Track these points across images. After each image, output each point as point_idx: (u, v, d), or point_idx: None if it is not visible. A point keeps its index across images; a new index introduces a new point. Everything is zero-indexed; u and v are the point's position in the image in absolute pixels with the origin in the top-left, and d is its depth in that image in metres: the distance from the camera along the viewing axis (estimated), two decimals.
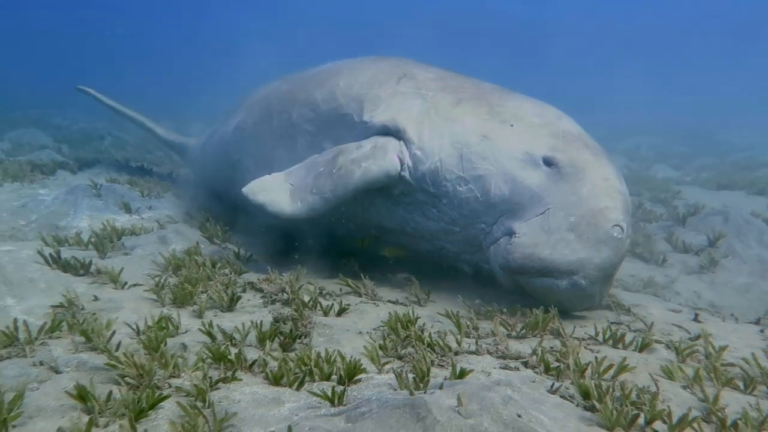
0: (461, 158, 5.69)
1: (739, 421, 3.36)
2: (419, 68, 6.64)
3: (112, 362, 3.62)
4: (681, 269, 7.74)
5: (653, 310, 5.79)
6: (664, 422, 3.38)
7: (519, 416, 3.04)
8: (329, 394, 3.37)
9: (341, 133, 6.39)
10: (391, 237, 6.41)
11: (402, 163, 5.88)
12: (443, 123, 5.89)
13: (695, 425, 3.30)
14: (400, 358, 4.18)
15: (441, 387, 3.39)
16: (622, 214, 5.24)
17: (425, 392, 3.34)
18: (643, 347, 4.68)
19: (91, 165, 12.45)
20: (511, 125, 5.74)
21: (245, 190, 6.05)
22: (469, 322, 4.94)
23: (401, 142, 5.94)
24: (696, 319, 5.68)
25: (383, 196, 6.10)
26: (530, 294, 5.41)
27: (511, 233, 5.42)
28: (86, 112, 27.50)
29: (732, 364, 4.40)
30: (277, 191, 6.02)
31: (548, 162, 5.45)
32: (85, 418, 3.06)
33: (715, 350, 4.58)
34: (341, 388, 3.44)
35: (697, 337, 4.95)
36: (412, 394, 3.30)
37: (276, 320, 4.62)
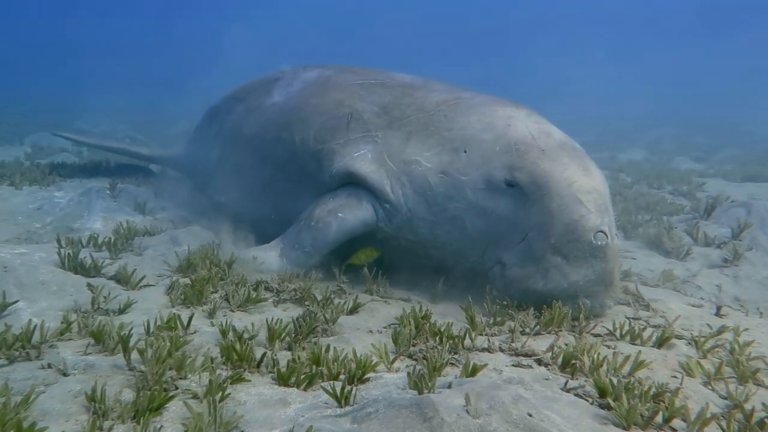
0: (428, 203, 5.63)
1: (766, 419, 3.24)
2: (362, 100, 6.45)
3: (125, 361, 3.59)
4: (703, 262, 7.56)
5: (673, 305, 5.65)
6: (684, 420, 3.27)
7: (530, 415, 2.95)
8: (337, 394, 3.30)
9: (315, 191, 6.35)
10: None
11: (376, 216, 5.87)
12: (401, 168, 5.79)
13: (719, 422, 3.19)
14: (410, 356, 4.11)
15: (450, 386, 3.30)
16: (599, 217, 5.03)
17: (433, 391, 3.26)
18: (662, 343, 4.57)
19: (107, 167, 12.49)
20: (465, 151, 5.58)
21: (243, 258, 6.05)
22: (483, 319, 4.86)
23: (369, 194, 5.90)
24: (718, 314, 5.54)
25: (372, 242, 6.04)
26: None
27: (502, 263, 5.33)
28: (108, 116, 27.70)
29: (758, 358, 4.28)
30: (268, 252, 6.07)
31: (510, 183, 5.29)
32: (96, 422, 3.01)
33: (740, 345, 4.45)
34: (349, 387, 3.36)
35: (719, 332, 4.81)
36: (420, 393, 3.23)
37: (301, 318, 4.56)
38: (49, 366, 3.72)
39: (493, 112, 5.79)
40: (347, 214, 5.83)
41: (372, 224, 5.87)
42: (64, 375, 3.64)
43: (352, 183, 6.00)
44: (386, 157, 5.90)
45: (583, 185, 5.16)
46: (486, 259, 5.48)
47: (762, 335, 4.96)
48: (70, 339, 4.16)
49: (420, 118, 6.00)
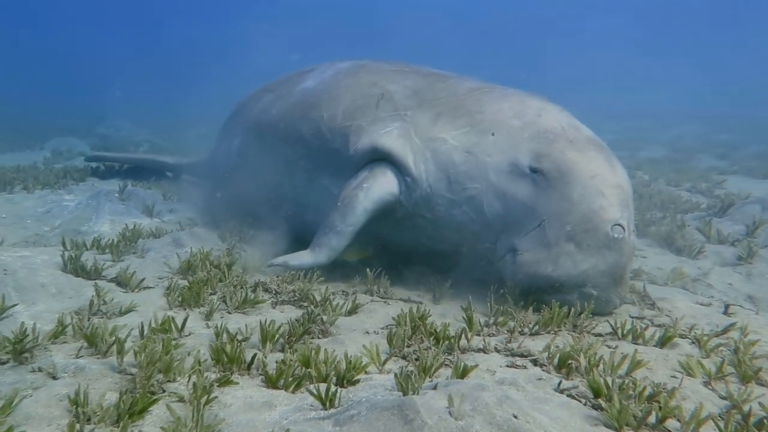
0: (449, 181, 5.59)
1: (765, 420, 3.14)
2: (394, 83, 6.47)
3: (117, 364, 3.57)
4: (715, 261, 7.42)
5: (679, 303, 5.54)
6: (678, 421, 3.18)
7: (515, 417, 2.88)
8: (321, 396, 3.25)
9: (336, 168, 6.37)
10: (407, 256, 6.37)
11: (399, 188, 5.84)
12: (426, 144, 5.78)
13: (716, 422, 3.10)
14: (404, 357, 4.06)
15: (435, 387, 3.24)
16: (619, 211, 4.99)
17: (418, 393, 3.20)
18: (665, 342, 4.47)
19: (120, 170, 12.56)
20: (492, 134, 5.56)
21: (277, 262, 6.00)
22: (482, 319, 4.79)
23: (394, 166, 5.89)
24: (726, 312, 5.42)
25: (389, 221, 6.05)
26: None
27: (514, 250, 5.27)
28: (130, 122, 27.98)
29: (762, 356, 4.17)
30: (301, 254, 5.99)
31: (534, 169, 5.26)
32: (75, 425, 2.99)
33: (745, 344, 4.34)
34: (334, 389, 3.31)
35: (724, 331, 4.70)
36: (405, 394, 3.17)
37: (294, 320, 4.52)
38: (39, 369, 3.69)
39: (526, 102, 5.82)
40: (372, 184, 5.80)
41: (396, 196, 5.84)
42: (54, 378, 3.62)
43: (376, 160, 5.99)
44: (413, 133, 5.90)
45: (607, 179, 5.13)
46: (499, 246, 5.44)
47: None
48: (65, 342, 4.15)
49: (451, 101, 6.03)
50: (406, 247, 6.20)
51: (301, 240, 6.46)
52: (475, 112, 5.78)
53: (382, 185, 5.80)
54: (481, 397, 2.96)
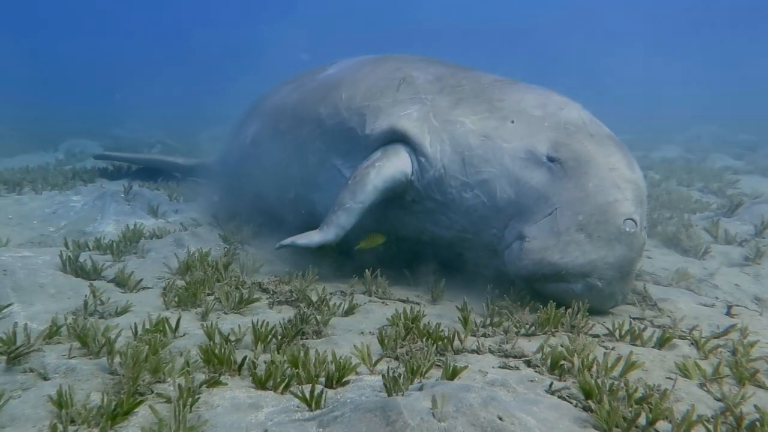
0: (464, 163, 5.54)
1: (757, 422, 3.08)
2: (418, 70, 6.47)
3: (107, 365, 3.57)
4: (722, 261, 7.32)
5: (682, 304, 5.47)
6: (670, 423, 3.13)
7: (500, 419, 2.84)
8: (306, 397, 3.23)
9: (348, 148, 6.31)
10: (409, 245, 6.30)
11: (412, 168, 5.76)
12: (443, 126, 5.75)
13: (705, 424, 3.05)
14: (397, 358, 4.02)
15: (421, 388, 3.21)
16: (633, 206, 4.98)
17: (403, 394, 3.17)
18: (663, 343, 4.42)
19: (128, 171, 12.62)
20: (512, 121, 5.54)
21: (285, 243, 5.89)
22: (479, 320, 4.75)
23: (408, 147, 5.83)
24: (729, 314, 5.35)
25: (396, 205, 5.98)
26: (549, 298, 5.13)
27: (522, 237, 5.22)
28: (145, 123, 28.13)
29: (761, 358, 4.10)
30: (309, 233, 5.88)
31: (551, 158, 5.25)
32: (59, 427, 2.98)
33: (743, 345, 4.27)
34: (320, 390, 3.28)
35: (724, 333, 4.63)
36: (390, 395, 3.14)
37: (291, 321, 4.50)
38: (30, 370, 3.70)
39: (548, 96, 5.83)
40: (385, 162, 5.74)
41: (409, 175, 5.77)
42: (45, 379, 3.61)
43: (392, 141, 5.95)
44: (431, 115, 5.87)
45: (625, 174, 5.13)
46: (506, 233, 5.41)
47: None
48: (59, 342, 4.14)
49: (473, 88, 6.02)
50: (411, 235, 6.12)
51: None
52: (496, 100, 5.78)
53: (394, 164, 5.73)
54: (466, 399, 2.92)
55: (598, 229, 4.92)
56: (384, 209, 6.01)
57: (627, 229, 4.89)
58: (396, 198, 5.91)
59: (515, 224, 5.33)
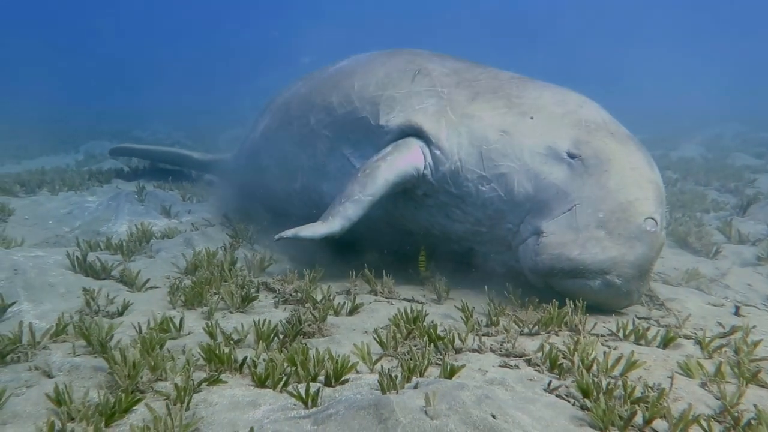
0: (481, 157, 5.52)
1: (752, 421, 3.07)
2: (433, 63, 6.44)
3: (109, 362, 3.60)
4: (734, 261, 7.26)
5: (690, 304, 5.43)
6: (667, 421, 3.11)
7: (493, 417, 2.84)
8: (302, 395, 3.25)
9: (359, 137, 6.28)
10: (419, 240, 6.24)
11: (424, 162, 5.72)
12: (460, 120, 5.72)
13: (700, 424, 3.03)
14: (398, 357, 4.03)
15: (416, 386, 3.22)
16: (654, 205, 4.98)
17: (398, 392, 3.18)
18: (667, 343, 4.39)
19: (144, 172, 12.72)
20: (531, 117, 5.53)
21: (286, 235, 5.71)
22: (482, 319, 4.74)
23: (422, 141, 5.80)
24: (737, 313, 5.30)
25: (407, 198, 5.96)
26: (563, 295, 5.07)
27: (538, 232, 5.21)
28: (167, 125, 28.39)
29: (764, 358, 4.06)
30: (313, 224, 5.73)
31: (572, 155, 5.23)
32: (57, 424, 3.03)
33: (747, 345, 4.23)
34: (316, 388, 3.30)
35: (729, 332, 4.59)
36: (384, 393, 3.15)
37: (289, 321, 4.52)
38: (36, 368, 3.75)
39: (568, 94, 5.86)
40: (397, 156, 5.71)
41: (420, 170, 5.71)
42: (49, 377, 3.67)
43: (405, 135, 5.92)
44: (448, 109, 5.85)
45: (646, 173, 5.17)
46: (522, 228, 5.40)
47: None
48: (65, 341, 4.20)
49: (491, 83, 6.02)
50: (421, 230, 6.09)
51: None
52: (515, 96, 5.77)
53: (406, 158, 5.69)
54: (459, 397, 2.93)
55: (619, 227, 4.91)
56: (393, 202, 6.00)
57: (648, 228, 4.89)
58: (406, 192, 5.89)
59: (531, 219, 5.31)
